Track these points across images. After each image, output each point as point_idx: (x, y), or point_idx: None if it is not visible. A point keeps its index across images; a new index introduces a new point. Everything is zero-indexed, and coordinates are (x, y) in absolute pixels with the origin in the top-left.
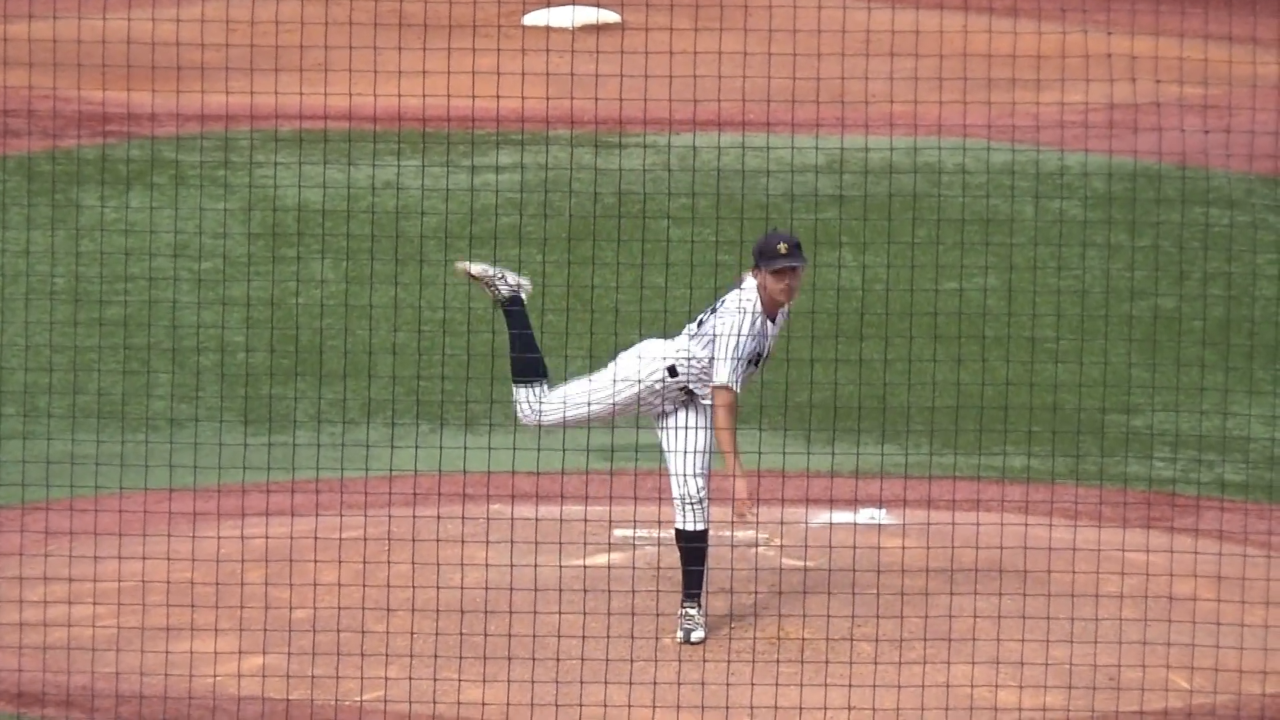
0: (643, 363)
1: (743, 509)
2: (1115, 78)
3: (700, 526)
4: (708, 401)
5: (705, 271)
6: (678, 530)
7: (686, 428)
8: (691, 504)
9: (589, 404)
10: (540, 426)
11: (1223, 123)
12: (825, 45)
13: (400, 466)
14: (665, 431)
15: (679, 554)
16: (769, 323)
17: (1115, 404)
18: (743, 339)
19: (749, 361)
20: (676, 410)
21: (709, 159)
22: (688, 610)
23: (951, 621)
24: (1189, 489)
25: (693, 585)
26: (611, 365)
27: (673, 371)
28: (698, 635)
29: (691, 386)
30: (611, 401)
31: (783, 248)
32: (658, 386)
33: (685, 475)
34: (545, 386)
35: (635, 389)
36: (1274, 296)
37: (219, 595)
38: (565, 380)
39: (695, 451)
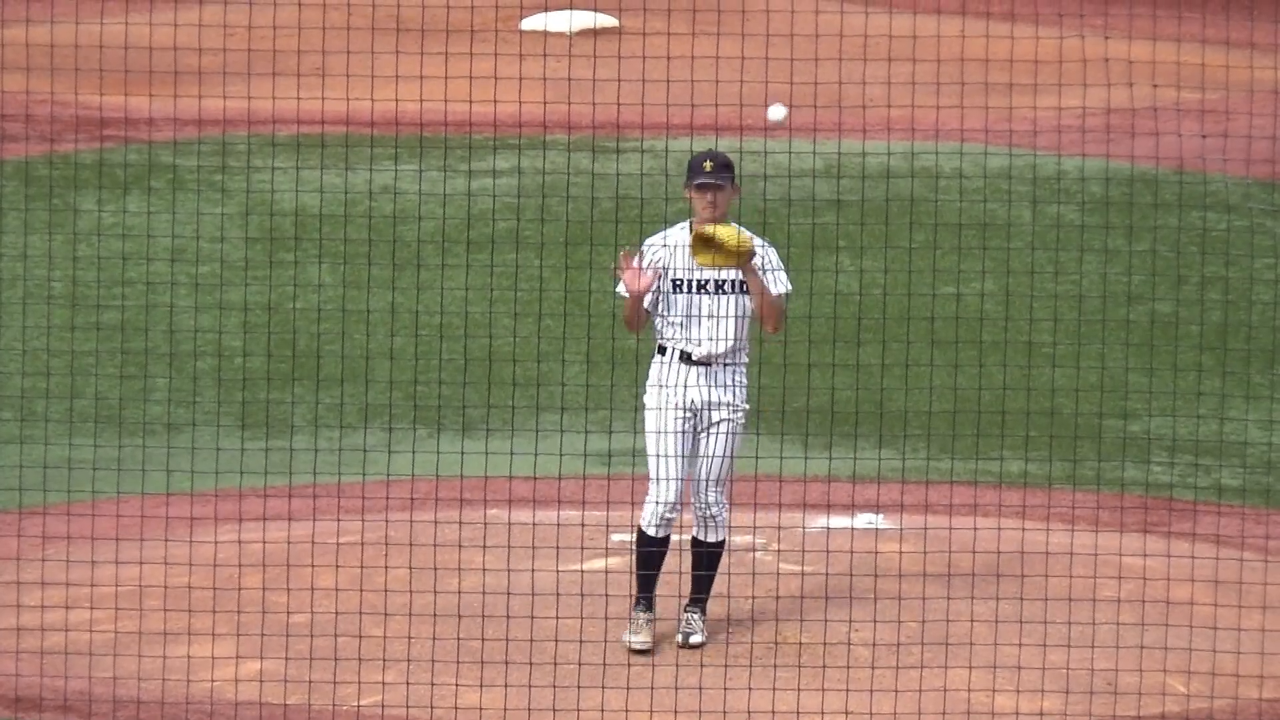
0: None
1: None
2: (1112, 82)
3: (723, 538)
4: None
5: None
6: (700, 543)
7: (726, 446)
8: (719, 519)
9: (661, 455)
10: (672, 502)
11: (1220, 127)
12: (822, 50)
13: (397, 471)
14: (708, 445)
15: (694, 559)
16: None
17: (1112, 409)
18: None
19: (677, 285)
20: (718, 424)
21: None
22: (691, 615)
23: (949, 626)
24: (1186, 494)
25: (704, 591)
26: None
27: (661, 350)
28: (698, 638)
29: (665, 342)
30: (659, 432)
31: (707, 165)
32: (658, 383)
33: (719, 488)
34: (662, 506)
35: (651, 407)
36: (1271, 301)
37: (216, 600)
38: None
39: (729, 469)
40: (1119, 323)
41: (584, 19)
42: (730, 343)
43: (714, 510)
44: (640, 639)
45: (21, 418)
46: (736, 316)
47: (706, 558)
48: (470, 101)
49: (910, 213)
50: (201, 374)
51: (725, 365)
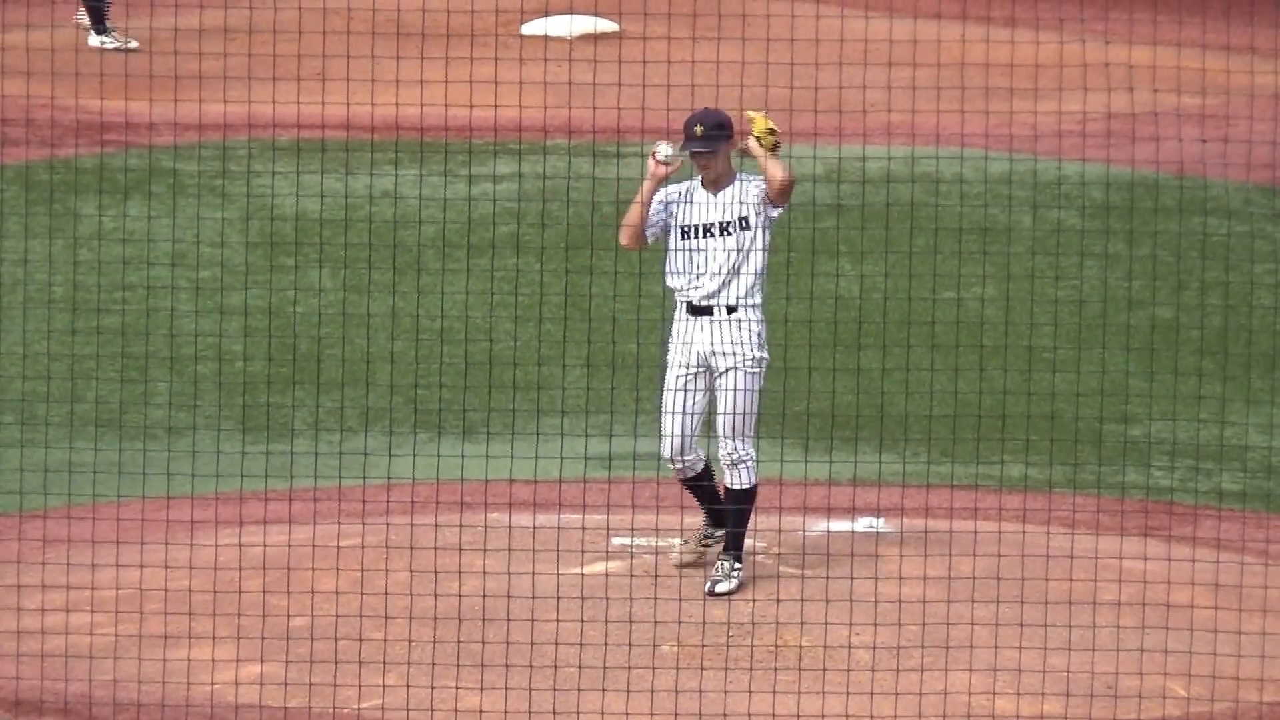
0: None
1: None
2: (1113, 87)
3: (749, 484)
4: (755, 369)
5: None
6: (727, 489)
7: (737, 390)
8: (742, 464)
9: (665, 411)
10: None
11: (1220, 132)
12: (823, 54)
13: (398, 475)
14: (720, 394)
15: (729, 515)
16: (707, 193)
17: (1113, 413)
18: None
19: (684, 232)
20: (727, 372)
21: None
22: (723, 561)
23: (949, 629)
24: (1186, 498)
25: (735, 544)
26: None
27: (676, 304)
28: (724, 586)
29: (675, 295)
30: (669, 391)
31: (697, 130)
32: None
33: (736, 436)
34: (687, 450)
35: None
36: (1271, 306)
37: (217, 603)
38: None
39: (744, 413)
40: (1119, 327)
41: (584, 24)
42: (724, 280)
43: (735, 456)
44: (680, 557)
45: (22, 421)
46: (734, 252)
47: (733, 502)
48: (471, 106)
49: (911, 217)
50: (202, 378)
51: (730, 311)
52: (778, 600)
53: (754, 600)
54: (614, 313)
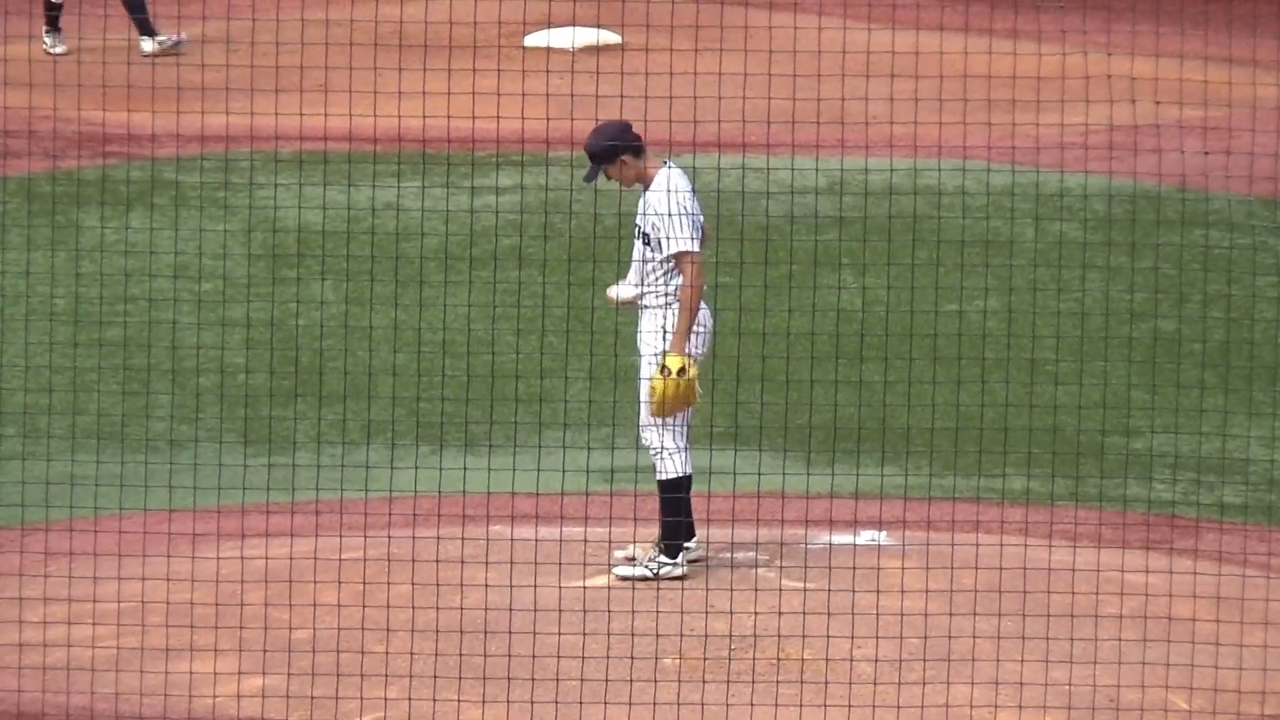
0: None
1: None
2: (1115, 99)
3: (666, 475)
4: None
5: (705, 294)
6: (659, 481)
7: (639, 378)
8: (655, 454)
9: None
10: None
11: (1223, 145)
12: (825, 67)
13: (400, 488)
14: (639, 382)
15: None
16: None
17: (1115, 426)
18: None
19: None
20: (643, 360)
21: (709, 180)
22: (651, 554)
23: (951, 642)
24: (1188, 511)
25: (665, 535)
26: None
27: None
28: (620, 570)
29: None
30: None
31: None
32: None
33: (646, 424)
34: (677, 446)
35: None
36: (1274, 319)
37: (219, 616)
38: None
39: (648, 401)
40: (1122, 340)
41: (587, 35)
42: (640, 275)
43: (650, 447)
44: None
45: (24, 434)
46: (636, 261)
47: (660, 491)
48: (473, 118)
49: (913, 230)
50: (204, 390)
51: (642, 308)
52: (780, 613)
53: (756, 613)
54: (616, 325)
